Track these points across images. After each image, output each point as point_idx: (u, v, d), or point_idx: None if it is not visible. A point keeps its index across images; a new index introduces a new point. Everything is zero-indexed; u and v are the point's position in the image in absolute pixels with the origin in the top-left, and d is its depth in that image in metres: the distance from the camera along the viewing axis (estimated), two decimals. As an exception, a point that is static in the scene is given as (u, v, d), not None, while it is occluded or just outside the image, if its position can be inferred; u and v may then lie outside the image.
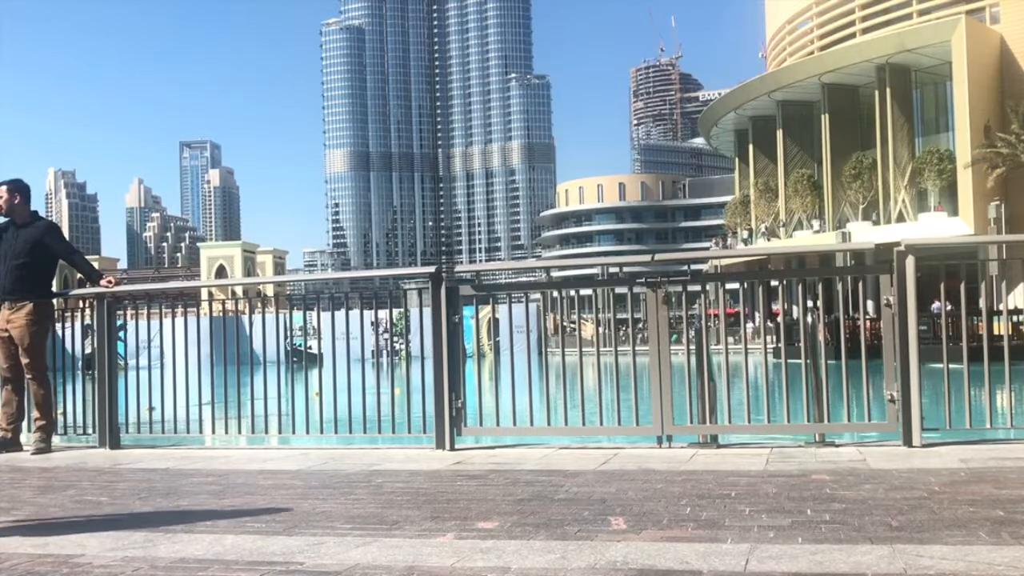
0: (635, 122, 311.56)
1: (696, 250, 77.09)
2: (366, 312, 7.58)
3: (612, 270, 7.36)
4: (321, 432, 6.91)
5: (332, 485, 5.18)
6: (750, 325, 14.68)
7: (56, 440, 7.40)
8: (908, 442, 5.71)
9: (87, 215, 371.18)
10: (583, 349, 6.68)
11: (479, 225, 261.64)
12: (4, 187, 7.36)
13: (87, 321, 7.78)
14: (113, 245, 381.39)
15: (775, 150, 62.30)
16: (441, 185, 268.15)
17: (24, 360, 7.22)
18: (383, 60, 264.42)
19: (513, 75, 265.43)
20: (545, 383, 6.70)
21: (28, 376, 7.26)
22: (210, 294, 12.02)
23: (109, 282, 7.59)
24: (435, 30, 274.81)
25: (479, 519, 3.97)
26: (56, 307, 7.78)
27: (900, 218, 52.25)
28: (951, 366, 6.07)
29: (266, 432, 7.36)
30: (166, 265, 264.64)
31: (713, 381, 6.24)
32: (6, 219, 7.37)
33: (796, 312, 6.62)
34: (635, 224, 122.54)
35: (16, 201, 7.35)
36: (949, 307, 6.40)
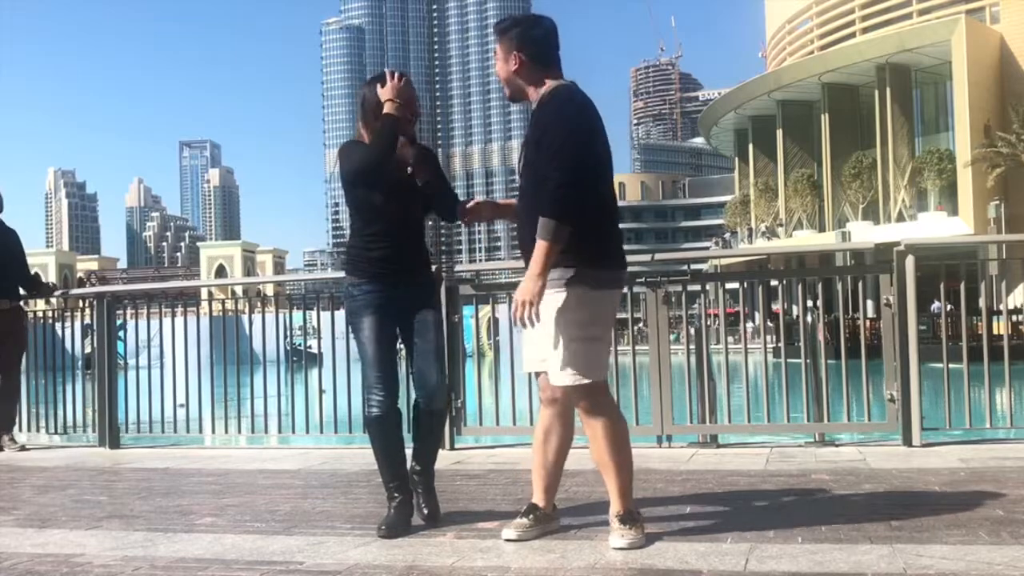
0: (635, 122, 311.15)
1: (696, 250, 77.07)
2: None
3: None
4: (321, 432, 6.91)
5: (332, 485, 5.19)
6: (750, 325, 14.66)
7: (56, 440, 7.39)
8: (908, 442, 5.71)
9: (87, 215, 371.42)
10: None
11: (479, 224, 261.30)
12: None
13: (87, 321, 7.77)
14: (113, 245, 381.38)
15: (775, 150, 62.29)
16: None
17: (9, 360, 7.22)
18: (383, 60, 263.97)
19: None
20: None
21: (4, 375, 7.22)
22: (210, 294, 12.01)
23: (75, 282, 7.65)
24: (435, 30, 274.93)
25: (479, 519, 3.97)
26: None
27: (900, 218, 52.25)
28: (951, 366, 6.07)
29: (266, 432, 7.36)
30: (166, 264, 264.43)
31: (713, 381, 6.24)
32: None
33: (796, 312, 6.62)
34: (635, 223, 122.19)
35: None
36: (949, 307, 6.40)
